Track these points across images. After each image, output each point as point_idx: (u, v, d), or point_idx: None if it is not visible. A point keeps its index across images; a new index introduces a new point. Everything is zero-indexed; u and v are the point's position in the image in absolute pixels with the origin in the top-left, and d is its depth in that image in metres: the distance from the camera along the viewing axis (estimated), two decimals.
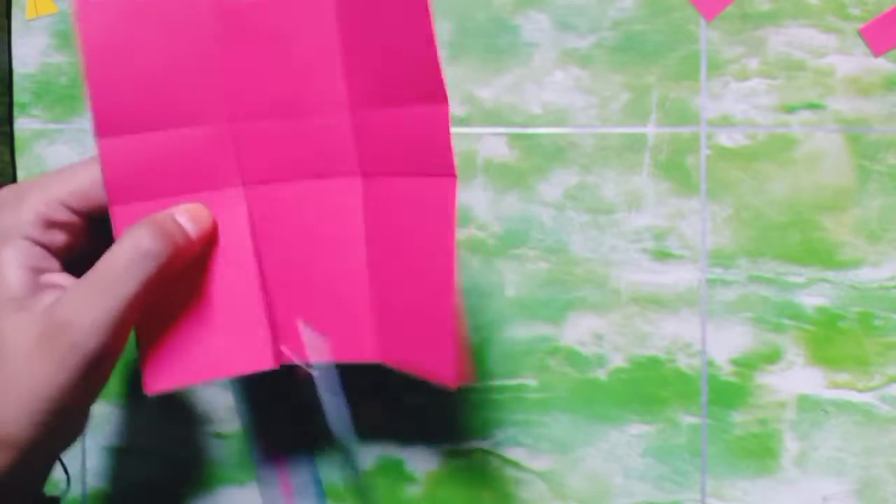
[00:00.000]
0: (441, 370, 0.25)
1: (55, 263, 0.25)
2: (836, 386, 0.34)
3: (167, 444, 0.36)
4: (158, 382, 0.26)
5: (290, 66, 0.26)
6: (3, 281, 0.24)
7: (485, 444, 0.35)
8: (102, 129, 0.25)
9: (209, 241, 0.26)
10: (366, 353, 0.27)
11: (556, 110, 0.35)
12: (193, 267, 0.26)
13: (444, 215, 0.25)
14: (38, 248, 0.25)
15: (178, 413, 0.36)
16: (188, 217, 0.25)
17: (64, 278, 0.25)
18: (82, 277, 0.24)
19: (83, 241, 0.26)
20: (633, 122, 0.35)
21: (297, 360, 0.27)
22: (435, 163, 0.25)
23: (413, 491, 0.35)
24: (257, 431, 0.35)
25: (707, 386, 0.35)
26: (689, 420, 0.35)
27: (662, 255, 0.35)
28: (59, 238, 0.25)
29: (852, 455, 0.34)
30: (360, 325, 0.27)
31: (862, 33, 0.35)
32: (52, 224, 0.25)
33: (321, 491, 0.35)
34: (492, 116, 0.35)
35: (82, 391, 0.24)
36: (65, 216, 0.25)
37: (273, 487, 0.35)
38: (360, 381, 0.35)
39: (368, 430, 0.35)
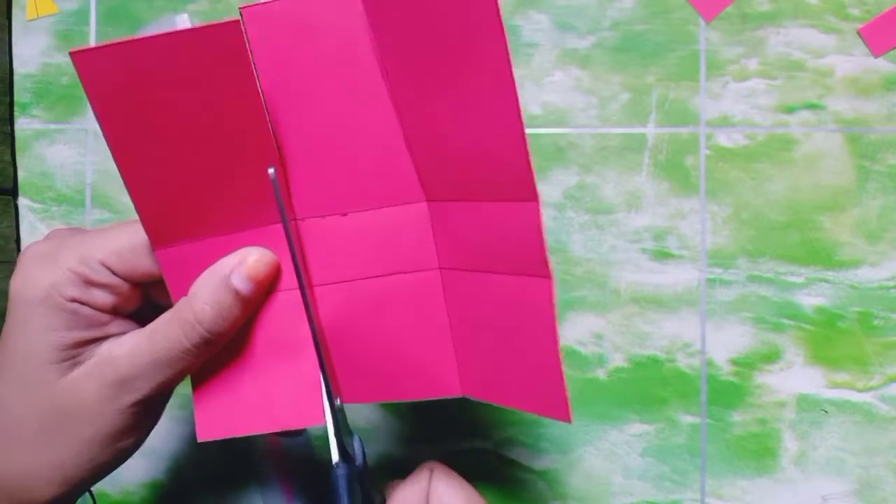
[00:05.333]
0: (551, 406, 0.23)
1: (105, 317, 0.24)
2: (836, 386, 0.34)
3: (167, 444, 0.36)
4: (210, 431, 0.25)
5: (351, 151, 0.25)
6: (48, 344, 0.23)
7: (485, 444, 0.35)
8: (155, 241, 0.24)
9: (268, 290, 0.25)
10: (451, 388, 0.26)
11: (556, 110, 0.35)
12: (252, 320, 0.25)
13: (542, 314, 0.23)
14: (78, 306, 0.23)
15: (179, 413, 0.36)
16: (245, 279, 0.23)
17: (117, 326, 0.25)
18: (143, 341, 0.24)
19: (136, 303, 0.25)
20: (633, 123, 0.35)
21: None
22: (527, 262, 0.23)
23: None
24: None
25: (706, 385, 0.35)
26: (688, 419, 0.35)
27: (662, 255, 0.35)
28: (101, 297, 0.24)
29: (852, 455, 0.34)
30: (442, 363, 0.25)
31: (861, 33, 0.35)
32: (90, 283, 0.23)
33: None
34: None
35: (139, 434, 0.26)
36: (104, 277, 0.24)
37: (273, 488, 0.35)
38: None
39: (368, 430, 0.35)
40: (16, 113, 0.37)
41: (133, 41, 0.21)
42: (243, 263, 0.23)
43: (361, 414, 0.35)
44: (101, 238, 0.24)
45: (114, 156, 0.23)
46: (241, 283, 0.23)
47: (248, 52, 0.22)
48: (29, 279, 0.23)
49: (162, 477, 0.36)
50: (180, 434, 0.36)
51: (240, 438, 0.35)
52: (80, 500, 0.35)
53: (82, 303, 0.23)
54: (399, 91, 0.24)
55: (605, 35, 0.35)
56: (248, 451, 0.35)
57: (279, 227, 0.24)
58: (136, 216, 0.24)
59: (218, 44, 0.22)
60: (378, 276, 0.25)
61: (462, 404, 0.35)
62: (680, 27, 0.35)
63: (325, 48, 0.24)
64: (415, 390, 0.26)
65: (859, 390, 0.34)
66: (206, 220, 0.24)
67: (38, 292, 0.23)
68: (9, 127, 0.36)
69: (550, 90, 0.35)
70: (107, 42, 0.21)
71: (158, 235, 0.24)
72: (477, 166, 0.23)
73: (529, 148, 0.21)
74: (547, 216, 0.35)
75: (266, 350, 0.25)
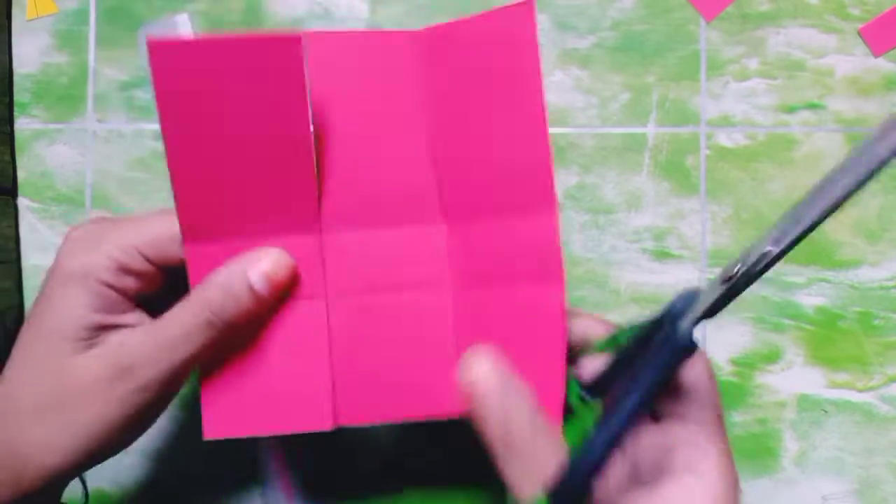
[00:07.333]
0: (550, 416, 0.24)
1: (127, 305, 0.25)
2: (836, 386, 0.34)
3: (167, 444, 0.36)
4: (217, 430, 0.26)
5: (381, 173, 0.26)
6: (72, 321, 0.24)
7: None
8: (187, 235, 0.25)
9: (282, 293, 0.25)
10: (449, 408, 0.26)
11: (557, 110, 0.35)
12: (265, 320, 0.26)
13: (552, 321, 0.24)
14: (108, 291, 0.25)
15: (179, 413, 0.36)
16: (261, 275, 0.24)
17: (134, 317, 0.26)
18: (150, 327, 0.24)
19: (157, 286, 0.26)
20: (633, 123, 0.35)
21: (354, 424, 0.26)
22: (540, 270, 0.24)
23: (414, 491, 0.35)
24: None
25: None
26: None
27: (662, 255, 0.35)
28: (130, 283, 0.25)
29: (852, 455, 0.34)
30: (442, 384, 0.26)
31: (861, 33, 0.35)
32: (126, 270, 0.25)
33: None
34: None
35: (136, 427, 0.26)
36: (139, 264, 0.25)
37: (273, 487, 0.35)
38: None
39: (368, 431, 0.35)
40: (15, 113, 0.37)
41: (206, 40, 0.23)
42: (261, 260, 0.24)
43: None
44: (139, 226, 0.25)
45: (166, 145, 0.24)
46: (256, 278, 0.24)
47: (304, 67, 0.23)
48: (71, 258, 0.25)
49: (162, 477, 0.36)
50: (180, 434, 0.36)
51: (241, 438, 0.35)
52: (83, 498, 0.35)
53: (113, 287, 0.25)
54: (436, 118, 0.26)
55: (605, 35, 0.35)
56: (248, 451, 0.35)
57: (307, 238, 0.26)
58: (165, 206, 0.25)
59: (279, 53, 0.23)
60: (390, 291, 0.26)
61: None
62: (680, 27, 0.35)
63: (374, 77, 0.26)
64: (412, 409, 0.26)
65: (859, 390, 0.34)
66: (239, 223, 0.25)
67: (75, 271, 0.24)
68: (8, 127, 0.36)
69: (550, 90, 0.35)
70: (181, 38, 0.24)
71: (191, 230, 0.25)
72: (501, 187, 0.25)
73: (551, 161, 0.23)
74: None
75: (280, 355, 0.26)
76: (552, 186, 0.23)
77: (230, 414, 0.26)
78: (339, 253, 0.26)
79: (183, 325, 0.24)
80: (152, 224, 0.25)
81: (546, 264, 0.24)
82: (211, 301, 0.24)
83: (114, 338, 0.25)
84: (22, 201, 0.37)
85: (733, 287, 0.19)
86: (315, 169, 0.25)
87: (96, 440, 0.24)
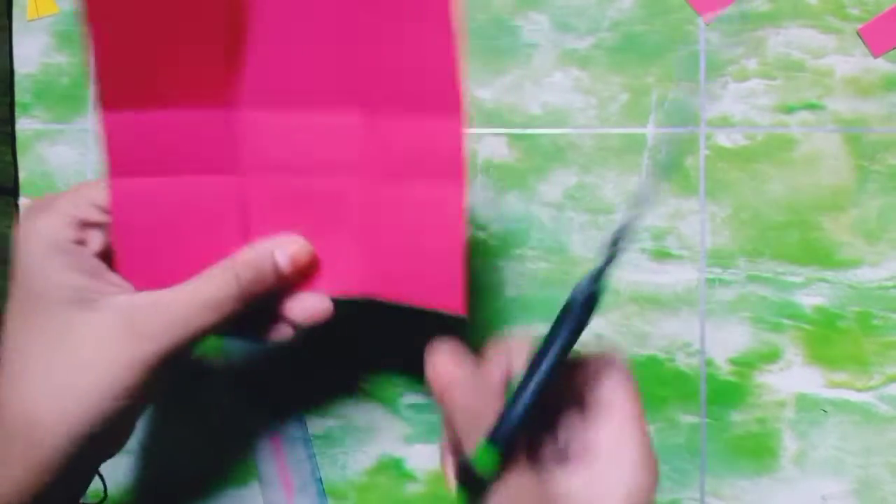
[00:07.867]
0: (450, 300, 0.26)
1: (101, 266, 0.26)
2: (835, 385, 0.35)
3: (167, 444, 0.36)
4: (142, 282, 0.26)
5: (304, 58, 0.26)
6: (58, 283, 0.24)
7: None
8: (107, 103, 0.25)
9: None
10: (351, 287, 0.27)
11: (556, 111, 0.35)
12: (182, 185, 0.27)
13: (452, 213, 0.26)
14: (80, 249, 0.25)
15: (179, 413, 0.36)
16: (287, 257, 0.26)
17: (116, 278, 0.26)
18: (167, 294, 0.25)
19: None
20: (632, 123, 0.35)
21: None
22: (445, 167, 0.25)
23: (414, 489, 0.35)
24: (259, 431, 0.35)
25: (706, 385, 0.35)
26: (688, 419, 0.35)
27: (661, 255, 0.35)
28: (97, 239, 0.26)
29: (851, 454, 0.34)
30: (349, 263, 0.27)
31: (861, 34, 0.35)
32: (85, 224, 0.26)
33: (322, 489, 0.35)
34: (492, 117, 0.36)
35: (145, 396, 0.26)
36: (96, 215, 0.26)
37: (274, 486, 0.35)
38: (359, 379, 0.35)
39: (368, 430, 0.35)
40: (17, 113, 0.37)
41: None
42: (288, 245, 0.27)
43: (361, 414, 0.35)
44: (90, 183, 0.27)
45: (85, 5, 0.24)
46: (282, 258, 0.26)
47: None
48: (31, 226, 0.25)
49: (160, 477, 0.36)
50: (179, 434, 0.36)
51: (240, 435, 0.35)
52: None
53: (82, 244, 0.25)
54: (359, 12, 0.25)
55: (604, 35, 0.35)
56: (248, 450, 0.36)
57: (220, 112, 0.26)
58: None
59: None
60: (303, 174, 0.27)
61: None
62: (679, 28, 0.35)
63: None
64: (318, 284, 0.27)
65: (858, 390, 0.34)
66: (161, 92, 0.25)
67: (42, 237, 0.25)
68: (10, 127, 0.37)
69: (550, 90, 0.35)
70: None
71: (111, 97, 0.25)
72: (414, 88, 0.25)
73: (461, 70, 0.24)
74: (547, 216, 0.35)
75: (193, 229, 0.27)
76: (460, 92, 0.25)
77: (147, 268, 0.27)
78: (256, 131, 0.27)
79: (207, 294, 0.25)
80: (100, 181, 0.26)
81: (451, 164, 0.25)
82: (239, 275, 0.25)
83: (116, 301, 0.25)
84: (23, 201, 0.37)
85: (610, 256, 0.24)
86: (234, 44, 0.25)
87: (108, 403, 0.24)
